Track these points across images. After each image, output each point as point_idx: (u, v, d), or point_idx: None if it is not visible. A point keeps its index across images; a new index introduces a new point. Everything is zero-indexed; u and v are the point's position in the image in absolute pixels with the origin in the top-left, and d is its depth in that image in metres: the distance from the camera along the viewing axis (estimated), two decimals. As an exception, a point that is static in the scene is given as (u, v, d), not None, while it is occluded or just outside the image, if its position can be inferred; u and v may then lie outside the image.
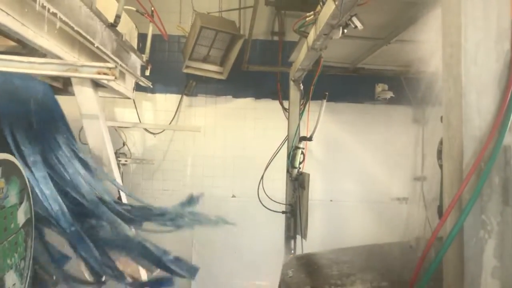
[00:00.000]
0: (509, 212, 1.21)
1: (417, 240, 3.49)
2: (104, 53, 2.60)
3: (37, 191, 1.95)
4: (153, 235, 2.65)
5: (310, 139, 4.13)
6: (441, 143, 1.33)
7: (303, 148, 4.26)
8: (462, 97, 1.21)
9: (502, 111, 1.19)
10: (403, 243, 3.47)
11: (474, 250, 1.19)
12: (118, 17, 2.65)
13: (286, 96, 4.92)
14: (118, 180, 3.74)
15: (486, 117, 1.21)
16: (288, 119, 4.74)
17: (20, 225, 1.60)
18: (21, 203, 1.59)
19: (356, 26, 2.66)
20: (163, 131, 5.29)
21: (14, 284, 1.55)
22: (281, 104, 5.31)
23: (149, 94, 5.29)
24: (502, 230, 1.20)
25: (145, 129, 5.27)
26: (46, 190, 2.05)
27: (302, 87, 4.39)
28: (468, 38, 1.21)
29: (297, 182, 4.26)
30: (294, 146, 4.31)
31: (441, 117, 1.32)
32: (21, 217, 1.59)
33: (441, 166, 1.32)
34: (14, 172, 1.56)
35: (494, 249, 1.19)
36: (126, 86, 3.96)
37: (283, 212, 4.51)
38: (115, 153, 4.20)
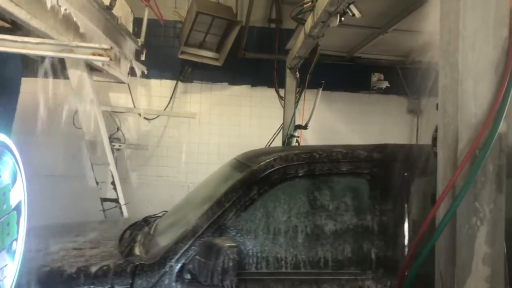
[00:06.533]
0: (502, 199, 1.21)
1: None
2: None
3: None
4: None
5: (305, 127, 4.13)
6: (436, 130, 1.32)
7: (298, 137, 4.26)
8: (458, 84, 1.20)
9: (498, 98, 1.19)
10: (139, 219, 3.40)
11: (466, 237, 1.20)
12: (113, -1, 2.63)
13: (282, 84, 4.90)
14: (112, 165, 3.73)
15: (482, 105, 1.20)
16: (283, 107, 4.73)
17: (13, 206, 1.58)
18: (13, 183, 1.57)
19: (353, 14, 2.64)
20: (157, 116, 5.26)
21: (6, 265, 1.53)
22: (277, 92, 5.29)
23: (144, 80, 5.25)
24: (495, 218, 1.21)
25: (140, 115, 5.24)
26: None
27: (298, 75, 4.38)
28: (466, 24, 1.20)
29: (291, 170, 4.25)
30: (289, 134, 4.31)
31: (437, 105, 1.31)
32: (13, 198, 1.58)
33: (435, 154, 1.32)
34: (7, 152, 1.54)
35: (486, 236, 1.20)
36: (121, 71, 3.93)
37: (276, 200, 4.51)
38: (109, 138, 4.17)
